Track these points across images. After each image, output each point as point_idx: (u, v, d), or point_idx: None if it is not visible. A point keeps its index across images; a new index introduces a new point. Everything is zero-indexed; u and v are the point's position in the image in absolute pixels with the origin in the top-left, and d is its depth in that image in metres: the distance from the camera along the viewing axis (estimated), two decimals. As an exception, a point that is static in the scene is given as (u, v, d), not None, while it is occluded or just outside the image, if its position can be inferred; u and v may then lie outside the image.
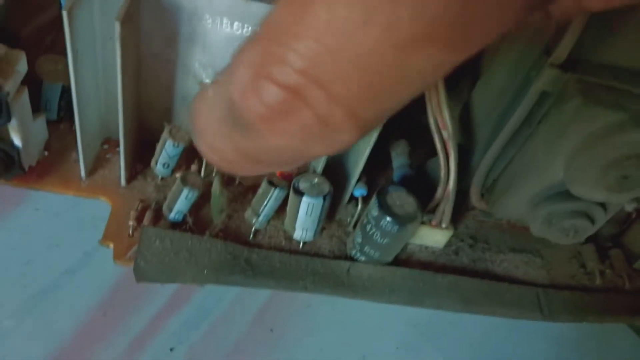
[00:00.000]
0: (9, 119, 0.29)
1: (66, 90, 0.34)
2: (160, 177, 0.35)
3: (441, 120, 0.30)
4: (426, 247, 0.37)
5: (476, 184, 0.36)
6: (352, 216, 0.36)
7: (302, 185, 0.32)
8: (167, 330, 0.36)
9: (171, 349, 0.35)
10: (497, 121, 0.35)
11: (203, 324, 0.37)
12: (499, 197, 0.36)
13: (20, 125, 0.30)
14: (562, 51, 0.27)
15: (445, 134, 0.30)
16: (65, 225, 0.38)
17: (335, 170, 0.35)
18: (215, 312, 0.38)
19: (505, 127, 0.33)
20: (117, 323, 0.36)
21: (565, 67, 0.28)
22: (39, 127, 0.33)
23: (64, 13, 0.26)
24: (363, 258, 0.34)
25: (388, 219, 0.31)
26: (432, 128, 0.30)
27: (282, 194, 0.32)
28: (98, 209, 0.36)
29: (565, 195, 0.31)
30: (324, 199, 0.32)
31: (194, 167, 0.36)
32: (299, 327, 0.38)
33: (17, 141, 0.30)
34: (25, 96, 0.30)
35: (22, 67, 0.29)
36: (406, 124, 0.36)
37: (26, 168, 0.32)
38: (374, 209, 0.32)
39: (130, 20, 0.27)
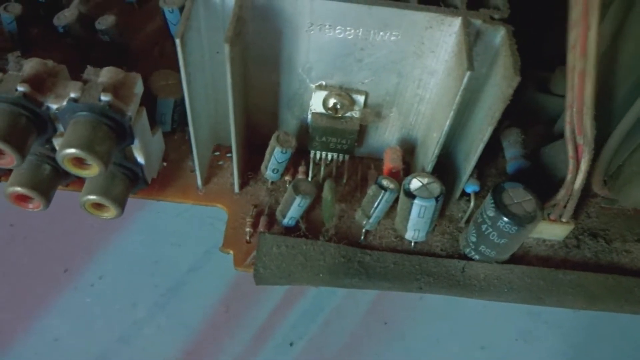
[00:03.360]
0: (132, 141, 0.30)
1: (178, 104, 0.35)
2: (270, 181, 0.35)
3: (579, 127, 0.27)
4: (544, 241, 0.34)
5: (599, 171, 0.34)
6: (464, 212, 0.34)
7: (413, 186, 0.31)
8: (286, 324, 0.37)
9: (291, 344, 0.37)
10: (623, 101, 0.32)
11: (318, 318, 0.38)
12: (625, 183, 0.33)
13: (142, 143, 0.31)
14: None
15: (580, 140, 0.28)
16: (185, 227, 0.40)
17: (445, 166, 0.33)
18: (329, 306, 0.38)
19: (632, 108, 0.29)
20: (239, 318, 0.38)
21: None
22: (157, 141, 0.34)
23: (177, 41, 0.26)
24: (478, 257, 0.33)
25: (505, 219, 0.30)
26: (567, 134, 0.28)
27: (393, 197, 0.31)
28: (216, 211, 0.38)
29: None
30: (437, 200, 0.30)
31: (301, 170, 0.36)
32: (412, 320, 0.38)
33: (140, 158, 0.32)
34: (144, 116, 0.31)
35: (139, 89, 0.30)
36: (516, 109, 0.34)
37: (149, 181, 0.34)
38: (489, 209, 0.30)
39: (237, 38, 0.27)
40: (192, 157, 0.34)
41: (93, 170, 0.28)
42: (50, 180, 0.31)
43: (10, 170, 0.31)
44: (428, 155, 0.32)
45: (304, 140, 0.35)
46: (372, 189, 0.32)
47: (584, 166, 0.29)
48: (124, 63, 0.31)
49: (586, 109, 0.27)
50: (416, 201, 0.30)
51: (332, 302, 0.38)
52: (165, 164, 0.36)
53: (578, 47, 0.25)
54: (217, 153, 0.37)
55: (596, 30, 0.24)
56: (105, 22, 0.37)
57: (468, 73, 0.26)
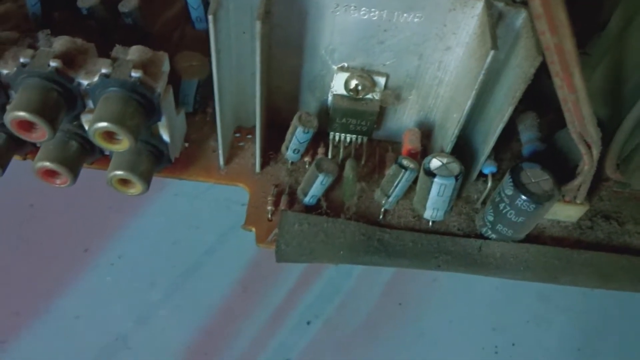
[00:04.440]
0: (160, 118, 0.31)
1: (201, 85, 0.36)
2: (290, 162, 0.36)
3: (585, 136, 0.28)
4: (558, 222, 0.35)
5: (612, 154, 0.34)
6: (481, 193, 0.35)
7: (433, 165, 0.32)
8: (303, 304, 0.38)
9: (308, 323, 0.37)
10: (636, 86, 0.32)
11: (335, 298, 0.38)
12: (637, 167, 0.34)
13: (168, 121, 0.31)
14: None
15: (589, 139, 0.29)
16: (203, 209, 0.41)
17: (463, 148, 0.34)
18: (346, 287, 0.39)
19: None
20: (257, 298, 0.38)
21: None
22: (181, 121, 0.35)
23: (210, 17, 0.27)
24: (494, 236, 0.33)
25: (524, 197, 0.30)
26: (576, 139, 0.29)
27: (413, 176, 0.32)
28: (233, 194, 0.38)
29: None
30: (456, 179, 0.31)
31: (320, 152, 0.36)
32: (426, 301, 0.38)
33: (165, 136, 0.32)
34: (170, 95, 0.31)
35: (166, 67, 0.31)
36: (532, 93, 0.34)
37: (173, 160, 0.34)
38: (508, 188, 0.31)
39: (267, 16, 0.28)
40: (215, 137, 0.35)
41: (123, 144, 0.29)
42: (77, 156, 0.32)
43: (36, 149, 0.32)
44: (447, 136, 0.33)
45: (324, 122, 0.35)
46: (392, 169, 0.32)
47: (595, 157, 0.30)
48: (146, 46, 0.32)
49: (587, 122, 0.28)
50: (436, 179, 0.31)
51: (348, 283, 0.39)
52: (187, 144, 0.36)
53: (565, 87, 0.25)
54: (238, 134, 0.38)
55: (580, 74, 0.25)
56: (128, 4, 0.37)
57: (492, 52, 0.27)
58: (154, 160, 0.33)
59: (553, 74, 0.25)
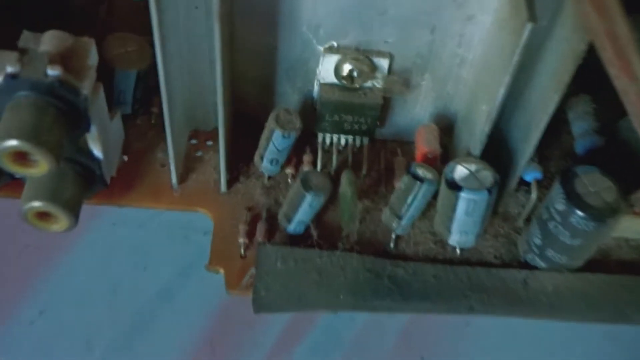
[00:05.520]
0: (88, 127, 0.31)
1: (142, 78, 0.36)
2: (267, 176, 0.36)
3: None
4: (626, 241, 0.36)
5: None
6: (523, 207, 0.36)
7: (458, 175, 0.32)
8: (291, 365, 0.38)
9: (299, 391, 0.38)
10: None
11: (334, 355, 0.39)
12: None
13: (100, 130, 0.32)
14: None
15: None
16: (152, 243, 0.41)
17: (497, 148, 0.35)
18: (348, 339, 0.39)
19: None
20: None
21: None
22: (117, 128, 0.35)
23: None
24: (544, 264, 0.34)
25: (580, 214, 0.31)
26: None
27: (431, 190, 0.33)
28: (191, 222, 0.39)
29: None
30: (489, 192, 0.32)
31: (307, 160, 0.37)
32: (456, 354, 0.39)
33: (97, 151, 0.33)
34: (101, 96, 0.32)
35: (93, 59, 0.31)
36: (585, 68, 0.35)
37: (108, 181, 0.35)
38: (558, 201, 0.32)
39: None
40: (164, 147, 0.35)
41: (40, 167, 0.29)
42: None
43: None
44: (475, 133, 0.34)
45: (310, 120, 0.36)
46: (403, 181, 0.33)
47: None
48: (61, 26, 0.32)
49: None
50: (463, 194, 0.32)
51: (351, 335, 0.39)
52: (126, 158, 0.37)
53: (623, 77, 0.26)
54: (194, 141, 0.38)
55: (638, 61, 0.26)
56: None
57: (529, 25, 0.28)
58: (83, 183, 0.33)
59: (606, 63, 0.26)
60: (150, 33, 0.29)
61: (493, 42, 0.32)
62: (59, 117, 0.29)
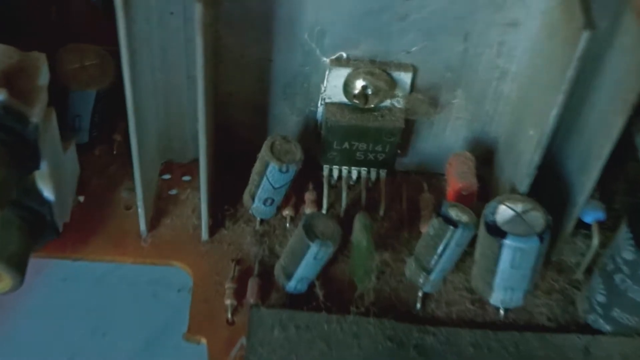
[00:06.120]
0: (38, 164, 0.31)
1: (101, 98, 0.37)
2: (259, 219, 0.37)
3: None
4: None
5: None
6: (582, 256, 0.36)
7: (501, 217, 0.32)
8: None
9: None
10: None
11: None
12: None
13: (51, 167, 0.32)
14: None
15: None
16: (114, 304, 0.41)
17: (548, 182, 0.35)
18: None
19: None
20: None
21: None
22: (71, 162, 0.35)
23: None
24: (609, 327, 0.34)
25: (654, 264, 0.31)
26: None
27: (468, 235, 0.33)
28: (164, 277, 0.39)
29: None
30: (540, 238, 0.32)
31: (309, 198, 0.37)
32: None
33: (47, 192, 0.33)
34: (53, 124, 0.32)
35: (44, 78, 0.32)
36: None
37: (61, 229, 0.35)
38: (625, 248, 0.32)
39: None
40: (130, 184, 0.36)
41: (-23, 215, 0.30)
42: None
43: None
44: (521, 164, 0.34)
45: (313, 149, 0.36)
46: (432, 225, 0.33)
47: None
48: (4, 38, 0.32)
49: None
50: (507, 241, 0.32)
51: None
52: (82, 198, 0.37)
53: None
54: (167, 176, 0.38)
55: None
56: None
57: (585, 34, 0.28)
58: (30, 232, 0.33)
59: None
60: (114, 42, 0.30)
61: (541, 53, 0.33)
62: (2, 152, 0.30)
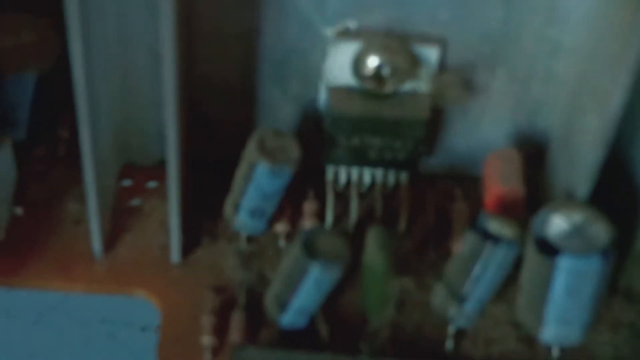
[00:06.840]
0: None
1: (43, 85, 0.38)
2: (245, 236, 0.38)
3: None
4: None
5: None
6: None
7: (555, 231, 0.33)
8: None
9: None
10: None
11: None
12: None
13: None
14: None
15: None
16: (59, 343, 0.42)
17: (615, 186, 0.36)
18: None
19: None
20: None
21: None
22: (5, 164, 0.36)
23: None
24: (694, 371, 0.35)
25: None
26: None
27: (512, 255, 0.33)
28: (125, 311, 0.40)
29: None
30: (604, 257, 0.33)
31: (309, 208, 0.38)
32: None
33: (-25, 203, 0.34)
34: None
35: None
36: None
37: (-7, 249, 0.36)
38: None
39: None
40: (79, 193, 0.36)
41: None
42: None
43: None
44: (579, 163, 0.35)
45: (314, 146, 0.37)
46: (466, 241, 0.34)
47: None
48: None
49: None
50: (563, 261, 0.32)
51: None
52: (20, 209, 0.38)
53: None
54: (127, 181, 0.39)
55: None
56: None
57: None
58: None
59: None
60: (58, 13, 0.30)
61: (604, 21, 0.33)
62: None
